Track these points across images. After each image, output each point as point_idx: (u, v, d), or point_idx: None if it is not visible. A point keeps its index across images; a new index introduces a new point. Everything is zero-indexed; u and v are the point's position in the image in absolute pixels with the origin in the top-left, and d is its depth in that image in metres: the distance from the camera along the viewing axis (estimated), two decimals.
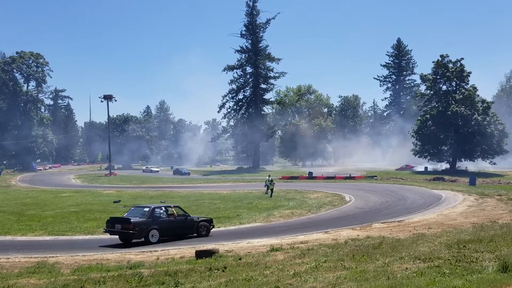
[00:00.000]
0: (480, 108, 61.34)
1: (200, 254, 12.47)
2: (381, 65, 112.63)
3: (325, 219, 22.84)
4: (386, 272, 8.21)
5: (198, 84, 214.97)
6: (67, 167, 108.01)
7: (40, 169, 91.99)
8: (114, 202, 33.48)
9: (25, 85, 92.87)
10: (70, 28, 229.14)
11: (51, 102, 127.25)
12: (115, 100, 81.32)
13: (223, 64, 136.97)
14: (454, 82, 64.88)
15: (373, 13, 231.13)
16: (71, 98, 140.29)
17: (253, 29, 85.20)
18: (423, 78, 67.76)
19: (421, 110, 69.49)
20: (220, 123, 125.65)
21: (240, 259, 11.63)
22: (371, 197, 32.14)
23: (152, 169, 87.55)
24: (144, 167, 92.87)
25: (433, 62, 65.16)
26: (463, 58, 64.18)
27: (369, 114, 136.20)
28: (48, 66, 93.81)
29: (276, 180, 45.80)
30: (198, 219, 18.67)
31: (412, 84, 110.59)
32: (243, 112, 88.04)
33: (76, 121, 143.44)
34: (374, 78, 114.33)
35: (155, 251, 14.70)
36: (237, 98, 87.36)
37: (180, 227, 17.91)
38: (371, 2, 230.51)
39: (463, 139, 61.58)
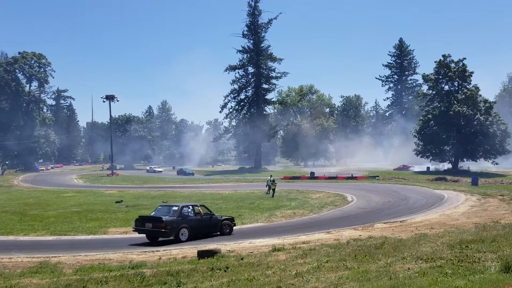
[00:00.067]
0: (483, 108, 61.22)
1: (202, 254, 12.48)
2: (383, 65, 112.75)
3: (327, 219, 22.83)
4: (388, 272, 8.20)
5: (200, 84, 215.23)
6: (69, 167, 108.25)
7: (42, 169, 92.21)
8: (116, 202, 33.51)
9: (28, 86, 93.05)
10: (73, 28, 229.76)
11: (54, 102, 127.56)
12: (117, 100, 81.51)
13: (225, 64, 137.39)
14: (456, 82, 64.77)
15: (375, 13, 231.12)
16: (73, 98, 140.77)
17: (255, 29, 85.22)
18: (425, 78, 67.67)
19: (423, 110, 69.40)
20: (222, 123, 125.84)
21: (242, 259, 11.63)
22: (373, 197, 32.12)
23: (155, 169, 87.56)
24: (148, 167, 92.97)
25: (435, 62, 65.14)
26: (465, 58, 64.12)
27: (371, 114, 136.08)
28: (50, 66, 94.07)
29: (278, 180, 45.81)
30: (221, 217, 18.98)
31: (414, 84, 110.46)
32: (245, 112, 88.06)
33: (78, 121, 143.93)
34: (376, 78, 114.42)
35: (157, 251, 14.72)
36: (239, 98, 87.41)
37: (206, 225, 18.23)
38: (373, 2, 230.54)
39: (465, 139, 61.47)
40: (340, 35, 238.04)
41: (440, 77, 64.72)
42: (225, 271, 10.02)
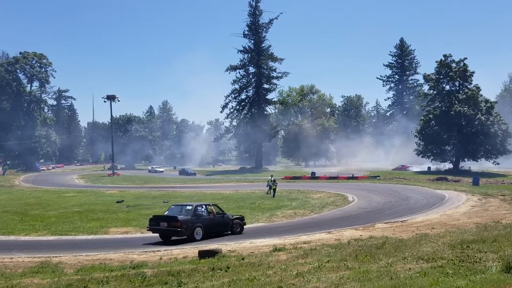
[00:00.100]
0: (484, 108, 61.13)
1: (203, 254, 12.49)
2: (384, 65, 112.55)
3: (328, 219, 22.83)
4: (389, 272, 8.20)
5: (201, 84, 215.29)
6: (70, 167, 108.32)
7: (44, 169, 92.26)
8: (117, 202, 33.54)
9: (29, 86, 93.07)
10: (73, 28, 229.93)
11: (55, 103, 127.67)
12: (118, 101, 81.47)
13: (226, 64, 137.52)
14: (457, 82, 64.68)
15: (375, 13, 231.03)
16: (74, 99, 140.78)
17: (255, 29, 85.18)
18: (426, 78, 67.60)
19: (424, 110, 69.31)
20: (223, 123, 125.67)
21: (243, 259, 11.63)
22: (374, 197, 32.10)
23: (157, 169, 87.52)
24: (150, 167, 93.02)
25: (436, 62, 65.05)
26: (466, 58, 63.99)
27: (372, 114, 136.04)
28: (51, 66, 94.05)
29: (279, 180, 45.80)
30: (232, 217, 19.13)
31: (415, 84, 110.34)
32: (245, 112, 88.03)
33: (79, 121, 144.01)
34: (377, 78, 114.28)
35: (158, 251, 14.72)
36: (239, 98, 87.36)
37: (219, 224, 18.41)
38: (374, 2, 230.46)
39: (467, 139, 61.40)
40: (341, 35, 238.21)
41: (441, 77, 64.64)
42: (226, 271, 10.02)
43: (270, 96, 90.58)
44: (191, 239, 17.05)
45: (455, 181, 47.55)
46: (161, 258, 13.11)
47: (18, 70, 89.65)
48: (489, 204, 25.36)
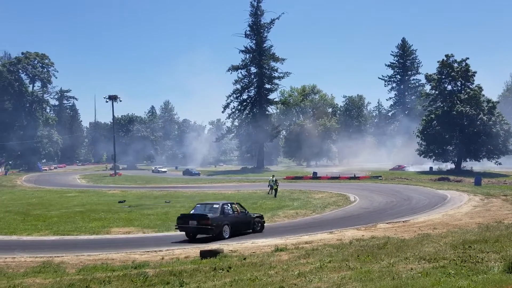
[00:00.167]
0: (486, 108, 61.05)
1: (204, 254, 12.48)
2: (385, 65, 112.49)
3: (329, 219, 22.82)
4: (391, 273, 8.19)
5: (202, 84, 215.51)
6: (72, 167, 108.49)
7: (46, 169, 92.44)
8: (119, 202, 33.58)
9: (31, 86, 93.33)
10: (75, 28, 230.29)
11: (57, 103, 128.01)
12: (120, 101, 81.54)
13: (227, 64, 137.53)
14: (459, 82, 64.61)
15: (377, 13, 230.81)
16: (76, 99, 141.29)
17: (257, 29, 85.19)
18: (428, 78, 67.51)
19: (426, 110, 69.23)
20: (225, 123, 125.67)
21: (244, 259, 11.63)
22: (376, 197, 32.07)
23: (159, 169, 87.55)
24: (153, 168, 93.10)
25: (438, 62, 65.00)
26: (468, 58, 63.95)
27: (374, 114, 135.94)
28: (53, 66, 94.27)
29: (281, 180, 45.77)
30: (253, 215, 19.34)
31: (417, 84, 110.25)
32: (247, 112, 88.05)
33: (81, 121, 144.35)
34: (379, 78, 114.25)
35: (160, 250, 14.72)
36: (241, 98, 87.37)
37: (242, 223, 18.62)
38: (375, 2, 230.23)
39: (468, 139, 61.32)
40: (343, 35, 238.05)
41: (443, 77, 64.58)
42: (227, 271, 10.02)
43: (271, 96, 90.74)
44: (218, 237, 17.23)
45: (457, 181, 47.49)
46: (163, 258, 13.12)
47: (20, 70, 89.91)
48: (491, 204, 25.31)
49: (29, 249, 15.90)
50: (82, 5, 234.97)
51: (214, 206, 18.25)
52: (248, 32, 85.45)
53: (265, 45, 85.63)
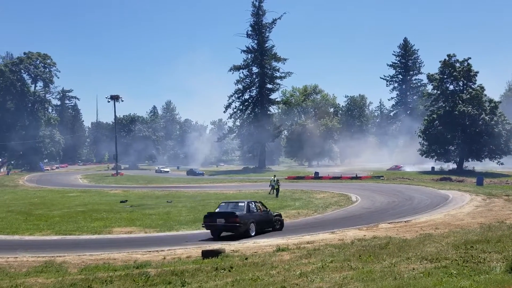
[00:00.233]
0: (488, 107, 60.97)
1: (206, 254, 12.49)
2: (387, 64, 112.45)
3: (331, 219, 22.80)
4: (392, 273, 8.19)
5: (204, 84, 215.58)
6: (74, 167, 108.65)
7: (48, 169, 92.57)
8: (121, 202, 33.62)
9: (33, 86, 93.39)
10: (76, 28, 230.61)
11: (59, 103, 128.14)
12: (122, 101, 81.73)
13: (229, 64, 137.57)
14: (461, 82, 64.52)
15: (379, 13, 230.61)
16: (78, 99, 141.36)
17: (259, 29, 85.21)
18: (430, 77, 67.43)
19: (428, 110, 69.16)
20: (226, 123, 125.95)
21: (246, 259, 11.64)
22: (378, 197, 32.04)
23: (162, 169, 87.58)
24: (156, 167, 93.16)
25: (440, 61, 64.94)
26: (470, 58, 63.87)
27: (376, 114, 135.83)
28: (55, 66, 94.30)
29: (282, 180, 45.76)
30: (273, 214, 19.54)
31: (419, 84, 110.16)
32: (249, 112, 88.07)
33: (83, 121, 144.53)
34: (381, 77, 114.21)
35: (162, 250, 14.73)
36: (243, 98, 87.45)
37: (265, 221, 18.83)
38: (377, 2, 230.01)
39: (470, 139, 61.23)
40: (345, 35, 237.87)
41: (445, 76, 64.48)
42: (229, 271, 10.03)
43: (273, 96, 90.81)
44: (245, 235, 17.37)
45: (459, 181, 47.44)
46: (164, 258, 13.13)
47: (22, 70, 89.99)
48: (493, 204, 25.26)
49: (31, 248, 15.92)
50: (83, 5, 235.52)
51: (240, 204, 18.50)
52: (249, 32, 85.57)
53: (266, 45, 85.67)
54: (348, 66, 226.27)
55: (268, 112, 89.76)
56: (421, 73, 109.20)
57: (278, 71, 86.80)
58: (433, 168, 66.66)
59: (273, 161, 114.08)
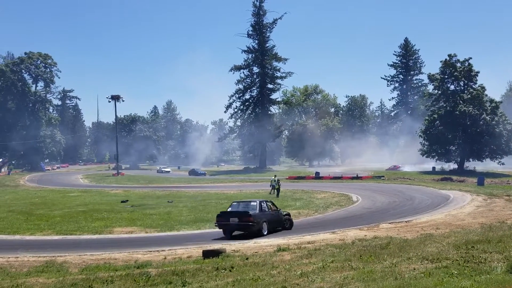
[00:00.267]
0: (489, 107, 60.93)
1: (207, 254, 12.49)
2: (388, 64, 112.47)
3: (332, 219, 22.79)
4: (393, 273, 8.19)
5: (205, 84, 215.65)
6: (75, 167, 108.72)
7: (48, 169, 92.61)
8: (122, 202, 33.63)
9: (34, 86, 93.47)
10: (76, 28, 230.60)
11: (59, 103, 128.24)
12: (123, 101, 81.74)
13: (230, 64, 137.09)
14: (462, 82, 64.48)
15: (379, 13, 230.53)
16: (79, 99, 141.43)
17: (260, 29, 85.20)
18: (431, 77, 67.41)
19: (428, 110, 69.13)
20: (227, 123, 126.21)
21: (247, 259, 11.64)
22: (378, 197, 32.03)
23: (163, 169, 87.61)
24: (158, 167, 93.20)
25: (441, 61, 64.92)
26: (471, 58, 63.82)
27: (377, 114, 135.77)
28: (56, 66, 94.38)
29: (283, 180, 45.77)
30: (283, 213, 19.79)
31: (420, 84, 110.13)
32: (250, 112, 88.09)
33: (84, 121, 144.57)
34: (381, 77, 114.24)
35: (162, 250, 14.74)
36: (244, 98, 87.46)
37: (276, 220, 19.00)
38: (378, 2, 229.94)
39: (471, 139, 61.20)
40: (345, 35, 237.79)
41: (446, 76, 64.45)
42: (230, 270, 10.03)
43: (274, 96, 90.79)
44: (258, 234, 17.45)
45: (460, 181, 47.40)
46: (165, 258, 13.13)
47: (23, 70, 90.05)
48: (494, 204, 25.24)
49: (32, 248, 15.93)
50: (83, 5, 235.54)
51: (252, 203, 18.62)
52: (250, 32, 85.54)
53: (267, 45, 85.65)
54: (349, 66, 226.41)
55: (269, 112, 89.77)
56: (422, 73, 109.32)
57: (279, 71, 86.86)
58: (434, 168, 66.61)
59: (274, 161, 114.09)
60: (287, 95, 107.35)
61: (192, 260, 12.44)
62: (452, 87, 65.47)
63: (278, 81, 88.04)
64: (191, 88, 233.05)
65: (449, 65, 63.67)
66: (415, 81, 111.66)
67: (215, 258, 12.03)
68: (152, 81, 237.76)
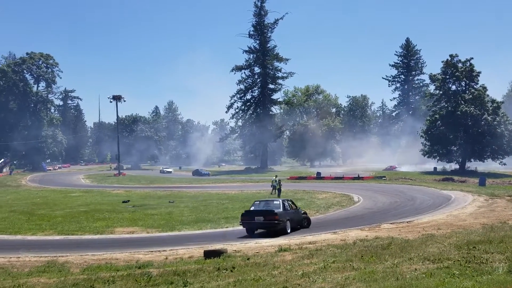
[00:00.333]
0: (490, 108, 60.87)
1: (208, 254, 12.49)
2: (389, 65, 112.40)
3: (333, 220, 22.77)
4: (395, 273, 8.18)
5: (206, 84, 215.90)
6: (77, 167, 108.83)
7: (50, 169, 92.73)
8: (123, 202, 33.64)
9: (35, 86, 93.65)
10: (77, 28, 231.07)
11: (61, 103, 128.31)
12: (124, 101, 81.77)
13: (231, 64, 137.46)
14: (463, 82, 64.45)
15: (381, 13, 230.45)
16: (80, 99, 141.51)
17: (261, 30, 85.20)
18: (432, 78, 67.40)
19: (430, 110, 69.10)
20: (228, 123, 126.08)
21: (248, 259, 11.64)
22: (380, 197, 32.00)
23: (165, 169, 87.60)
24: (160, 168, 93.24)
25: (442, 62, 64.94)
26: (472, 58, 63.85)
27: (378, 114, 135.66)
28: (57, 67, 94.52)
29: (284, 181, 45.75)
30: (302, 212, 20.00)
31: (421, 84, 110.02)
32: (251, 112, 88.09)
33: (85, 121, 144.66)
34: (383, 78, 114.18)
35: (164, 250, 14.74)
36: (245, 98, 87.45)
37: (297, 219, 19.19)
38: (379, 2, 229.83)
39: (473, 139, 61.14)
40: (346, 35, 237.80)
41: (447, 77, 64.43)
42: (231, 271, 10.04)
43: (275, 96, 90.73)
44: (282, 232, 17.63)
45: (461, 181, 47.33)
46: (166, 258, 13.14)
47: (25, 71, 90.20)
48: (495, 204, 25.19)
49: (33, 248, 15.95)
50: (84, 5, 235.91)
51: (275, 202, 18.82)
52: (252, 32, 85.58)
53: (268, 45, 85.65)
54: (350, 66, 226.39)
55: (270, 112, 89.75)
56: (423, 73, 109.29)
57: (280, 71, 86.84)
58: (435, 168, 66.55)
59: (275, 161, 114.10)
60: (289, 95, 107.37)
61: (193, 260, 12.44)
62: (453, 87, 65.46)
63: (280, 81, 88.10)
64: (192, 88, 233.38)
65: (450, 65, 63.62)
66: (416, 81, 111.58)
67: (217, 258, 12.03)
68: (153, 81, 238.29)
